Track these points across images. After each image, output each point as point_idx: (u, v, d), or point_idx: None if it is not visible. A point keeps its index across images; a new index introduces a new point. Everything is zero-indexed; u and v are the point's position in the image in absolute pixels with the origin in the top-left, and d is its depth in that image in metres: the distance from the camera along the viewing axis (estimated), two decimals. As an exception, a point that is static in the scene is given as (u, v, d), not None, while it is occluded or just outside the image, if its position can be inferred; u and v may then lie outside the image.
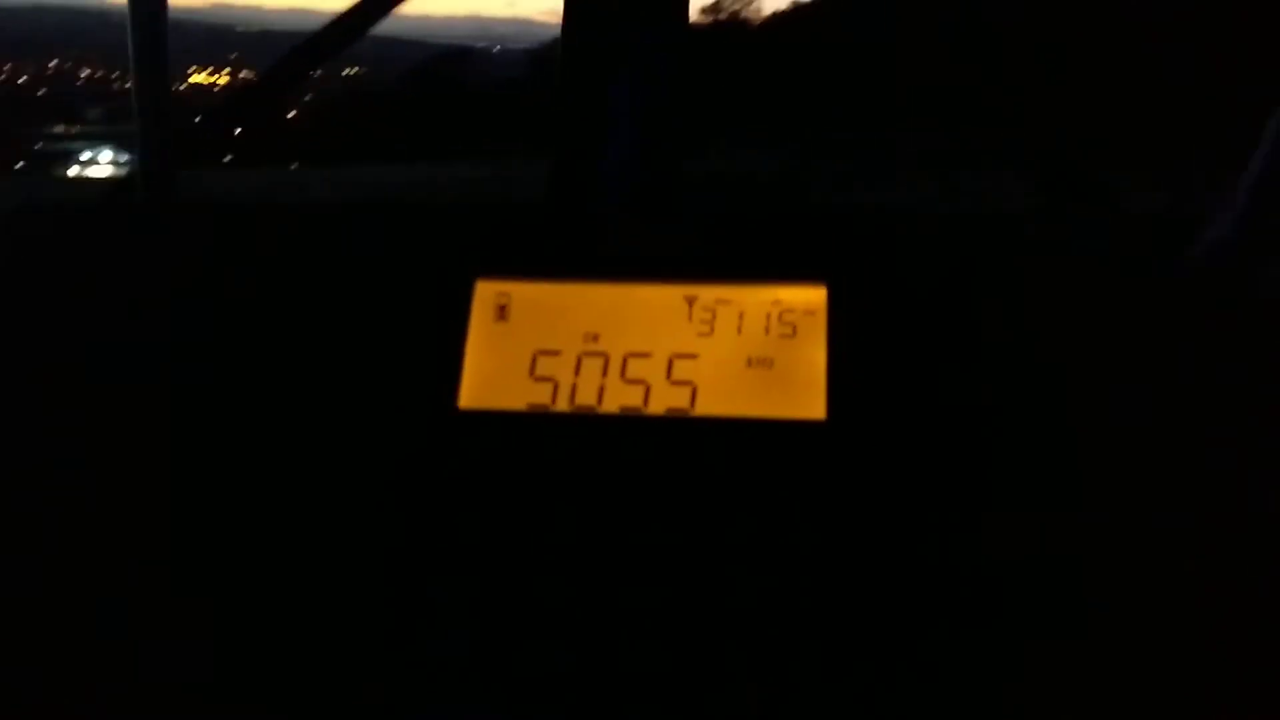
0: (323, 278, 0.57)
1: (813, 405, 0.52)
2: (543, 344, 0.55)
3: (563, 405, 0.54)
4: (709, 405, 0.53)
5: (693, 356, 0.54)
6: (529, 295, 0.56)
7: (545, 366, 0.54)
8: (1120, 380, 0.51)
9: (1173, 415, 0.50)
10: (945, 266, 0.53)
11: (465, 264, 0.56)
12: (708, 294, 0.55)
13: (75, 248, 0.61)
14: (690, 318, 0.55)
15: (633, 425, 0.53)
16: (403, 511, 0.52)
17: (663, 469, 0.52)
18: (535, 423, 0.53)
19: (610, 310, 0.55)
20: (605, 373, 0.54)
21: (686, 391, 0.53)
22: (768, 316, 0.54)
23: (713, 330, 0.54)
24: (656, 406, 0.53)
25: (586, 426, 0.53)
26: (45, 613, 0.52)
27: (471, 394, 0.54)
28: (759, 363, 0.53)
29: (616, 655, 0.48)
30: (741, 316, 0.54)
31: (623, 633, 0.49)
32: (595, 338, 0.55)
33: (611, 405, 0.53)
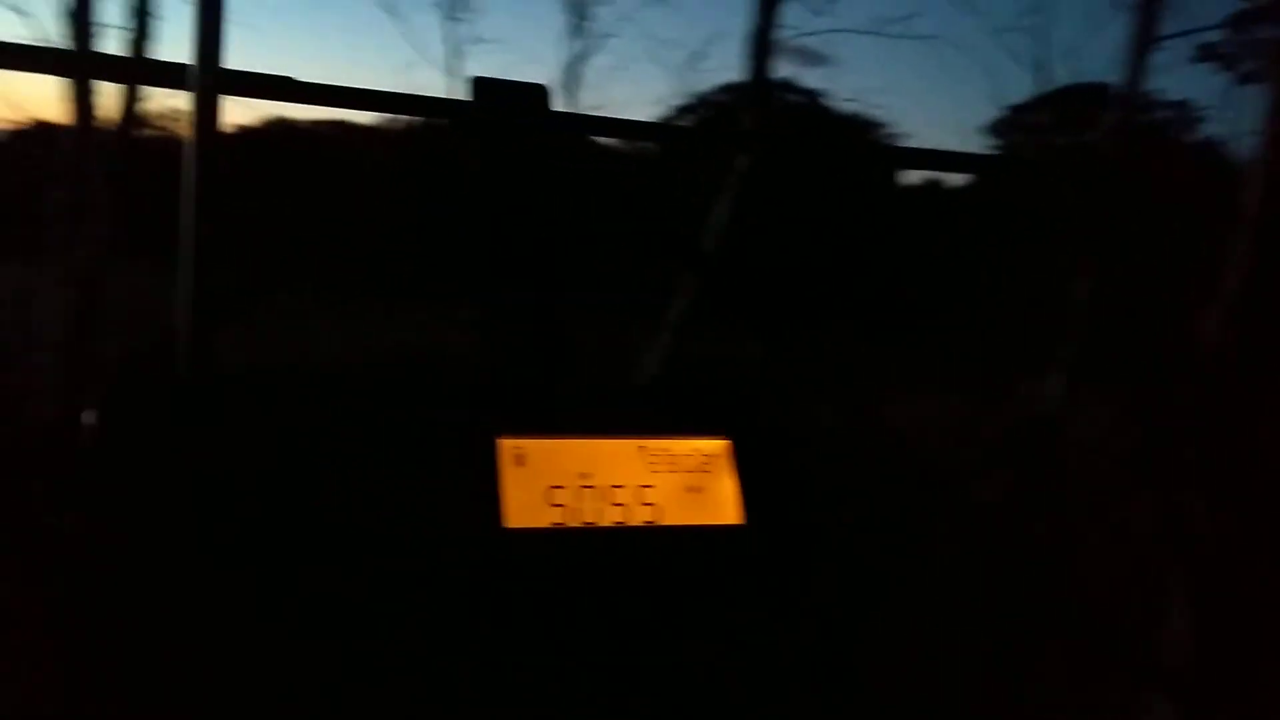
0: (382, 439, 0.75)
1: (734, 514, 0.81)
2: (552, 481, 0.77)
3: (574, 522, 0.77)
4: (670, 517, 0.79)
5: (651, 486, 0.80)
6: (537, 448, 0.78)
7: (556, 496, 0.77)
8: None
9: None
10: (798, 420, 0.86)
11: (490, 427, 0.78)
12: (653, 444, 0.82)
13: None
14: (643, 460, 0.81)
15: (624, 533, 0.77)
16: (472, 604, 0.71)
17: (647, 559, 0.77)
18: (558, 534, 0.75)
19: (592, 456, 0.80)
20: (598, 499, 0.78)
21: (652, 510, 0.79)
22: (692, 458, 0.82)
23: (660, 468, 0.81)
24: (637, 520, 0.78)
25: (593, 535, 0.76)
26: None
27: (512, 517, 0.75)
28: (694, 489, 0.81)
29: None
30: (676, 458, 0.82)
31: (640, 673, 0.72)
32: (587, 475, 0.79)
33: (607, 520, 0.77)
